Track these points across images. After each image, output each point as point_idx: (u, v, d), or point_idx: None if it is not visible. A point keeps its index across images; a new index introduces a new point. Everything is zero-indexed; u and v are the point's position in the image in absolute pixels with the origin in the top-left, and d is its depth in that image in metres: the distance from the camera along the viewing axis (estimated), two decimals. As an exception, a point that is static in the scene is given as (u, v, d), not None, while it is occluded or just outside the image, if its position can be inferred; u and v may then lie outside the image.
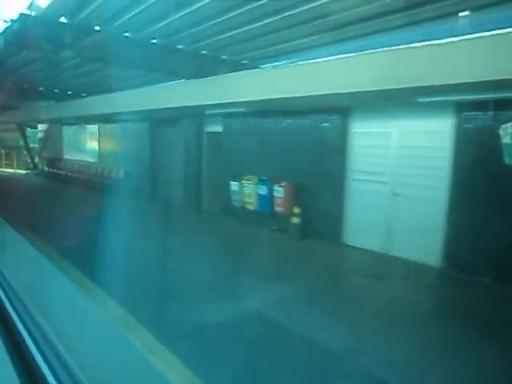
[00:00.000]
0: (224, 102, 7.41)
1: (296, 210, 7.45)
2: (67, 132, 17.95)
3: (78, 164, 16.24)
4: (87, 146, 16.09)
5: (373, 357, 3.43)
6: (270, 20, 5.17)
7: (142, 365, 3.06)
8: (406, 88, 4.93)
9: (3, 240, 5.48)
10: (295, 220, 7.46)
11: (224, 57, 7.06)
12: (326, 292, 5.01)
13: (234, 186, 8.74)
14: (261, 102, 6.94)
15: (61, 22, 5.54)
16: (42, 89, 11.84)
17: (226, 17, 5.17)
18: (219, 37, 5.98)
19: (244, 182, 8.47)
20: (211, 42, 6.27)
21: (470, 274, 5.31)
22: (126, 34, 5.98)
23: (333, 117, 7.22)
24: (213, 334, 3.71)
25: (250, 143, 8.78)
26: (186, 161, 10.53)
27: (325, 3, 4.52)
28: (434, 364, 3.30)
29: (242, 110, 7.85)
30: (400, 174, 6.36)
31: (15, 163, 21.99)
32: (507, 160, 4.56)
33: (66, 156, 17.97)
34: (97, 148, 15.37)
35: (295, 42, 6.08)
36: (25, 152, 21.24)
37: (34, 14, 5.32)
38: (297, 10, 4.80)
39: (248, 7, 4.83)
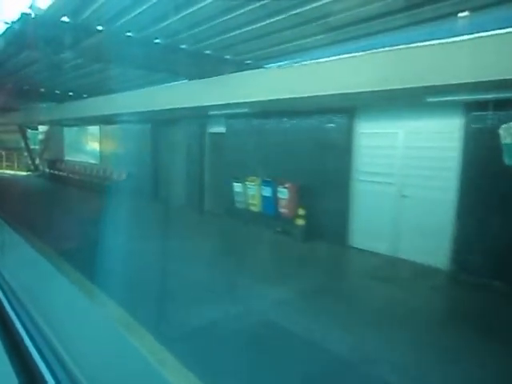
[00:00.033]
0: (228, 102, 7.32)
1: (300, 211, 7.37)
2: (68, 133, 17.89)
3: (80, 165, 16.19)
4: (88, 147, 16.04)
5: (397, 369, 3.30)
6: (273, 19, 5.10)
7: (141, 365, 3.03)
8: (411, 88, 4.86)
9: (3, 241, 5.42)
10: (300, 222, 7.37)
11: (228, 57, 6.98)
12: (338, 296, 4.91)
13: (237, 187, 8.66)
14: (265, 103, 6.85)
15: (63, 22, 5.46)
16: (42, 90, 11.76)
17: (230, 16, 5.10)
18: (223, 36, 5.91)
19: (247, 183, 8.39)
20: (215, 42, 6.19)
21: (479, 277, 5.21)
22: (129, 34, 5.89)
23: (338, 117, 7.14)
24: (223, 338, 3.64)
25: (253, 144, 8.69)
26: (189, 162, 10.46)
27: (328, 3, 4.46)
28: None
29: (246, 110, 7.77)
30: (407, 174, 6.27)
31: (16, 165, 21.95)
32: (507, 160, 4.53)
33: (67, 157, 17.92)
34: (98, 149, 15.33)
35: (299, 42, 6.01)
36: (25, 153, 21.20)
37: (35, 13, 5.24)
38: (301, 10, 4.73)
39: (252, 6, 4.76)
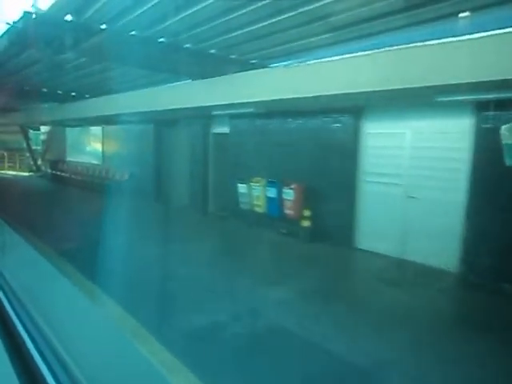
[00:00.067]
0: (232, 102, 7.24)
1: (306, 212, 7.28)
2: (70, 134, 17.85)
3: (82, 166, 16.15)
4: (91, 147, 15.99)
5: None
6: (278, 18, 5.04)
7: (143, 366, 2.99)
8: (413, 88, 4.82)
9: (4, 242, 5.38)
10: (305, 223, 7.29)
11: (232, 56, 6.90)
12: (350, 303, 4.82)
13: (241, 188, 8.58)
14: (270, 103, 6.77)
15: (65, 21, 5.38)
16: (44, 90, 11.70)
17: (234, 15, 5.02)
18: (227, 35, 5.82)
19: (252, 184, 8.30)
20: (219, 41, 6.11)
21: (489, 280, 5.12)
22: (132, 33, 5.82)
23: (344, 117, 7.05)
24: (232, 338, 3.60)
25: (257, 144, 8.61)
26: (192, 162, 10.39)
27: (331, 2, 4.40)
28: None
29: (250, 110, 7.68)
30: (414, 175, 6.18)
31: (18, 165, 21.93)
32: (507, 161, 4.46)
33: (70, 158, 17.88)
34: (101, 150, 15.26)
35: (303, 41, 5.93)
36: (27, 154, 21.18)
37: (37, 12, 5.17)
38: (305, 9, 4.66)
39: (256, 5, 4.69)
